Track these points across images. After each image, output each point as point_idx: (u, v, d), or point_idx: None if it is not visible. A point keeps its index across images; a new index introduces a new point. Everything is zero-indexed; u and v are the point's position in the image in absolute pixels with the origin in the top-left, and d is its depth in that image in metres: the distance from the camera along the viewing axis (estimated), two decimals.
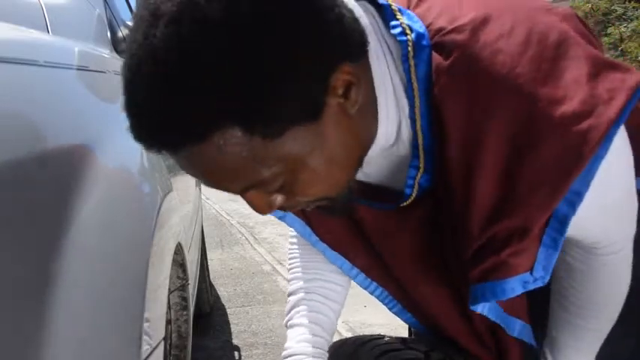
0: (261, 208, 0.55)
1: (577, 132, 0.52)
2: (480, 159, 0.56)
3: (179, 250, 0.91)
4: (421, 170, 0.63)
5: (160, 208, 0.70)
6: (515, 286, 0.59)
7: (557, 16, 0.58)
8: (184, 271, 0.99)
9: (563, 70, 0.54)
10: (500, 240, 0.58)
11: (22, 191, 0.39)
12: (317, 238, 0.78)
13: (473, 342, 0.78)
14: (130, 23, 1.26)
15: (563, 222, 0.56)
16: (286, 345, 0.78)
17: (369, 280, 0.81)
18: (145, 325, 0.52)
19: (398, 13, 0.58)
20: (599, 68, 0.55)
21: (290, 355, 0.77)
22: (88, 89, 0.66)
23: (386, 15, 0.58)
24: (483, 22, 0.55)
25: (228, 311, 2.73)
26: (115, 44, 1.10)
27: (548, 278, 0.59)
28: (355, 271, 0.80)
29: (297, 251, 0.85)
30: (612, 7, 6.90)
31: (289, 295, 0.83)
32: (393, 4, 0.59)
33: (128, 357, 0.49)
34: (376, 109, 0.58)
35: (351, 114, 0.53)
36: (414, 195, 0.65)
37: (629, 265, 0.70)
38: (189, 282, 1.07)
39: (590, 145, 0.53)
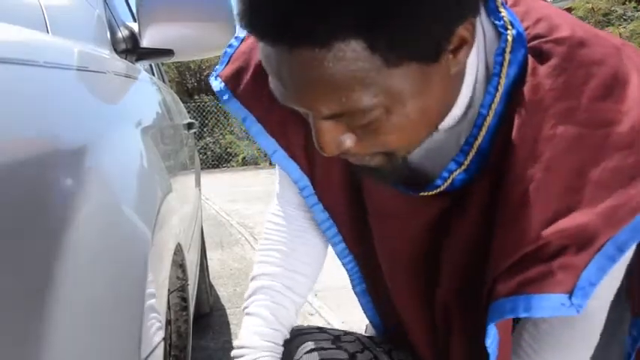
0: (329, 145, 0.54)
1: None
2: (554, 169, 0.55)
3: (179, 250, 0.91)
4: (463, 167, 0.62)
5: (159, 209, 0.70)
6: (555, 305, 0.55)
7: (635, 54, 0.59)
8: (184, 271, 0.99)
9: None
10: (554, 247, 0.55)
11: (21, 191, 0.39)
12: (312, 192, 0.77)
13: (428, 347, 0.76)
14: (130, 24, 1.27)
15: (621, 248, 0.53)
16: (240, 334, 0.77)
17: (347, 251, 0.81)
18: (145, 325, 0.52)
19: (501, 7, 0.59)
20: None
21: (240, 347, 0.76)
22: (88, 90, 0.66)
23: (489, 4, 0.59)
24: (580, 43, 0.56)
25: (228, 312, 2.73)
26: (115, 44, 1.10)
27: (582, 309, 0.54)
28: (338, 238, 0.80)
29: (274, 234, 0.83)
30: (612, 8, 6.89)
31: (252, 279, 0.82)
32: None
33: (128, 357, 0.49)
34: (460, 85, 0.58)
35: (450, 74, 0.54)
36: (442, 188, 0.64)
37: None
38: (189, 282, 1.07)
39: None
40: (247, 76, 0.73)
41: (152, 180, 0.76)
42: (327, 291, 3.11)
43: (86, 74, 0.68)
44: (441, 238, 0.67)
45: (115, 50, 1.08)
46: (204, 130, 11.24)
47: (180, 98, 3.03)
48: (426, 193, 0.66)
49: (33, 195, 0.40)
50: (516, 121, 0.57)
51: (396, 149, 0.56)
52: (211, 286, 2.92)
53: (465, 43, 0.52)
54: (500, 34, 0.58)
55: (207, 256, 2.99)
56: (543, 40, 0.57)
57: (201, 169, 2.90)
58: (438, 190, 0.65)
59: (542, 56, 0.57)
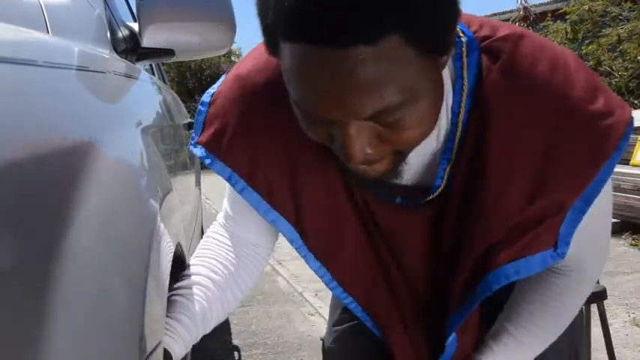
0: (359, 152, 0.56)
1: (605, 126, 0.63)
2: (525, 141, 0.64)
3: (179, 250, 0.91)
4: (451, 163, 0.69)
5: (160, 209, 0.70)
6: (546, 260, 0.68)
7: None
8: (184, 271, 0.99)
9: (584, 79, 0.65)
10: (536, 218, 0.66)
11: (21, 191, 0.39)
12: (302, 243, 0.79)
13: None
14: (130, 24, 1.27)
15: (587, 201, 0.65)
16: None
17: (345, 294, 0.84)
18: (145, 325, 0.52)
19: None
20: (602, 84, 0.67)
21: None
22: (88, 89, 0.66)
23: None
24: (521, 36, 0.66)
25: None
26: (115, 44, 1.10)
27: (565, 255, 0.68)
28: (334, 283, 0.83)
29: (218, 250, 0.85)
30: (608, 9, 6.88)
31: (189, 274, 0.82)
32: None
33: (128, 357, 0.49)
34: None
35: (440, 72, 0.59)
36: (442, 188, 0.70)
37: (580, 304, 0.81)
38: None
39: (613, 140, 0.63)
40: (227, 137, 0.76)
41: (152, 180, 0.76)
42: (328, 291, 3.12)
43: (86, 74, 0.68)
44: (441, 231, 0.73)
45: (115, 50, 1.08)
46: None
47: (181, 98, 3.03)
48: (430, 198, 0.72)
49: (33, 195, 0.40)
50: (491, 106, 0.65)
51: (409, 146, 0.60)
52: None
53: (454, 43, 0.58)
54: (457, 42, 0.66)
55: None
56: (490, 39, 0.66)
57: (202, 168, 2.90)
58: (439, 190, 0.71)
59: (492, 54, 0.66)
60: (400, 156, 0.62)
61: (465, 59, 0.66)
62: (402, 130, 0.56)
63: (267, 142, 0.74)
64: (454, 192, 0.70)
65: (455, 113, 0.67)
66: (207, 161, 0.78)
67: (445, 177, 0.69)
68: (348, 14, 0.48)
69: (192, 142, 0.80)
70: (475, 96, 0.66)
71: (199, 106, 0.80)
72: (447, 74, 0.66)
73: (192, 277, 0.81)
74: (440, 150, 0.70)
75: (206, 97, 0.80)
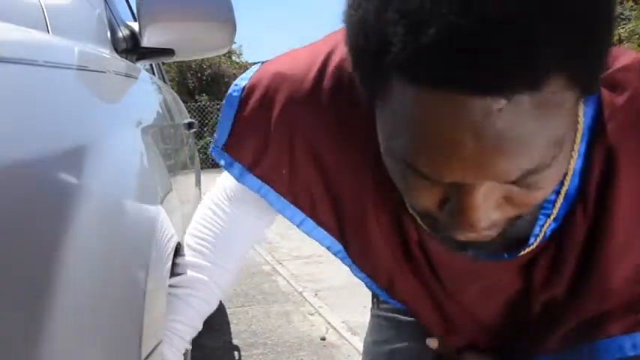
0: (479, 217, 0.45)
1: None
2: None
3: (179, 250, 0.91)
4: (551, 218, 0.58)
5: (160, 208, 0.70)
6: None
7: None
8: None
9: None
10: None
11: (21, 191, 0.39)
12: (346, 255, 0.71)
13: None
14: (130, 24, 1.27)
15: None
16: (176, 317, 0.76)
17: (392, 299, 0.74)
18: (145, 325, 0.52)
19: None
20: None
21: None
22: (88, 89, 0.66)
23: None
24: None
25: (228, 311, 2.73)
26: (116, 44, 1.10)
27: None
28: (380, 290, 0.74)
29: (212, 224, 0.78)
30: None
31: (184, 264, 0.79)
32: None
33: (128, 357, 0.49)
34: None
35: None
36: (534, 245, 0.60)
37: None
38: None
39: None
40: (264, 149, 0.67)
41: (152, 179, 0.76)
42: (327, 291, 3.12)
43: (86, 74, 0.68)
44: (528, 281, 0.63)
45: (116, 50, 1.08)
46: (205, 129, 11.25)
47: (181, 98, 3.03)
48: (522, 253, 0.61)
49: (33, 195, 0.40)
50: (619, 153, 0.54)
51: (532, 207, 0.48)
52: None
53: None
54: None
55: None
56: (611, 70, 0.54)
57: (201, 168, 2.90)
58: (530, 248, 0.60)
59: (616, 87, 0.54)
60: (515, 219, 0.50)
61: None
62: (536, 190, 0.45)
63: (308, 161, 0.66)
64: (555, 245, 0.60)
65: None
66: (236, 172, 0.69)
67: (542, 234, 0.58)
68: (510, 53, 0.37)
69: (217, 145, 0.70)
70: (593, 139, 0.54)
71: (227, 100, 0.68)
72: None
73: (189, 272, 0.78)
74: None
75: (235, 91, 0.68)
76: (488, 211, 0.45)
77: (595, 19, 0.39)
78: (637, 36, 6.42)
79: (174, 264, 0.77)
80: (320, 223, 0.69)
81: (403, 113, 0.43)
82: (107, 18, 1.11)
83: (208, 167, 10.47)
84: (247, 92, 0.67)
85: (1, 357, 0.34)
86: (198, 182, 2.43)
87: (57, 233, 0.41)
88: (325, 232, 0.69)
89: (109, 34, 1.07)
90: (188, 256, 0.79)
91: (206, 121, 11.43)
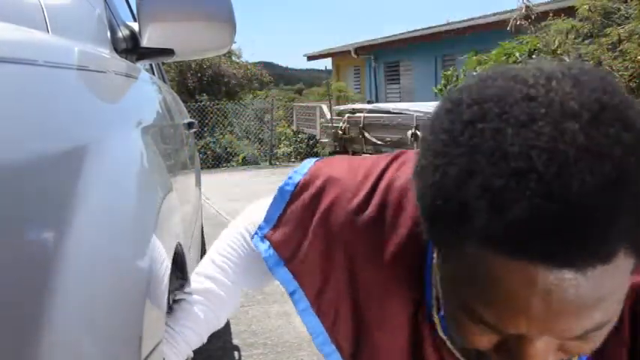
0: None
1: None
2: None
3: (179, 250, 0.91)
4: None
5: (160, 208, 0.70)
6: None
7: None
8: (184, 271, 0.99)
9: None
10: None
11: (21, 191, 0.39)
12: None
13: None
14: (130, 24, 1.27)
15: None
16: (174, 317, 0.76)
17: None
18: (145, 325, 0.52)
19: None
20: None
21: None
22: (88, 89, 0.66)
23: None
24: None
25: None
26: (116, 44, 1.10)
27: None
28: None
29: (234, 260, 0.80)
30: (614, 6, 6.84)
31: (202, 275, 0.80)
32: None
33: (128, 357, 0.49)
34: None
35: None
36: None
37: None
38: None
39: None
40: (304, 247, 0.69)
41: (152, 179, 0.76)
42: None
43: (86, 74, 0.68)
44: None
45: (116, 50, 1.08)
46: (205, 129, 11.24)
47: (181, 98, 3.03)
48: None
49: (33, 195, 0.40)
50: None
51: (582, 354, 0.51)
52: None
53: None
54: None
55: None
56: None
57: (201, 168, 2.90)
58: None
59: None
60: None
61: None
62: (590, 342, 0.48)
63: (344, 276, 0.68)
64: None
65: None
66: (273, 264, 0.71)
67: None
68: (589, 234, 0.40)
69: (260, 233, 0.73)
70: None
71: (279, 192, 0.72)
72: None
73: (208, 284, 0.79)
74: None
75: (288, 185, 0.72)
76: (546, 358, 0.47)
77: None
78: (637, 36, 6.41)
79: (173, 264, 0.77)
80: (335, 342, 0.70)
81: (476, 271, 0.45)
82: (107, 18, 1.11)
83: (208, 167, 10.48)
84: (300, 188, 0.71)
85: (1, 357, 0.34)
86: (198, 182, 2.43)
87: (57, 233, 0.41)
88: (337, 354, 0.70)
89: (109, 34, 1.07)
90: (210, 270, 0.80)
91: (206, 121, 11.43)
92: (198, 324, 0.78)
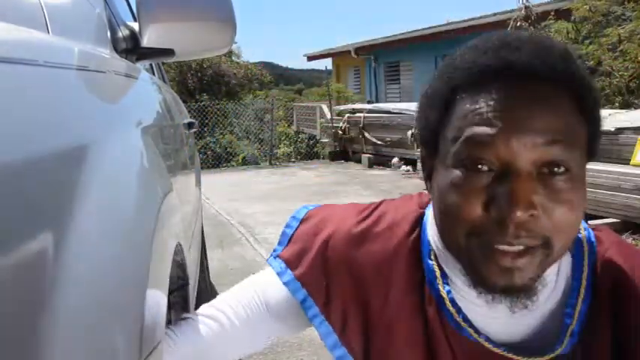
0: (525, 192, 0.58)
1: None
2: None
3: (179, 250, 0.91)
4: (573, 324, 0.68)
5: (160, 208, 0.70)
6: None
7: None
8: (184, 271, 0.99)
9: None
10: None
11: (21, 191, 0.39)
12: None
13: None
14: (130, 24, 1.27)
15: None
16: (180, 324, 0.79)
17: None
18: (145, 325, 0.52)
19: None
20: None
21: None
22: (88, 89, 0.66)
23: None
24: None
25: None
26: (116, 44, 1.10)
27: None
28: None
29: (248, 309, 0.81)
30: (611, 8, 6.85)
31: (211, 306, 0.82)
32: None
33: (128, 357, 0.49)
34: None
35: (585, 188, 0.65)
36: (559, 350, 0.68)
37: None
38: (190, 282, 1.07)
39: None
40: (309, 259, 0.77)
41: (152, 179, 0.76)
42: None
43: (86, 74, 0.68)
44: None
45: (116, 50, 1.08)
46: (205, 129, 11.25)
47: (181, 98, 3.03)
48: (541, 359, 0.69)
49: (33, 195, 0.40)
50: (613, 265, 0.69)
51: (557, 237, 0.61)
52: (211, 285, 2.92)
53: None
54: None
55: (208, 256, 2.99)
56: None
57: (202, 168, 2.90)
58: (558, 351, 0.68)
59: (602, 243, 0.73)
60: (543, 263, 0.62)
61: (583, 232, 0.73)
62: (559, 205, 0.59)
63: (347, 281, 0.76)
64: (585, 351, 0.68)
65: (577, 275, 0.70)
66: (285, 278, 0.78)
67: (568, 336, 0.68)
68: (555, 60, 0.61)
69: (274, 253, 0.82)
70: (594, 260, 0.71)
71: (290, 220, 0.83)
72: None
73: (212, 311, 0.80)
74: (559, 312, 0.70)
75: (299, 214, 0.83)
76: (532, 190, 0.58)
77: None
78: (638, 36, 6.40)
79: (173, 264, 0.77)
80: (346, 344, 0.75)
81: (465, 112, 0.62)
82: (107, 18, 1.11)
83: (208, 167, 10.48)
84: (309, 215, 0.83)
85: (1, 357, 0.34)
86: (198, 182, 2.43)
87: (56, 233, 0.41)
88: (348, 355, 0.75)
89: (109, 34, 1.07)
90: (221, 304, 0.81)
91: (206, 121, 11.43)
92: (196, 336, 0.77)
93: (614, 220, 4.28)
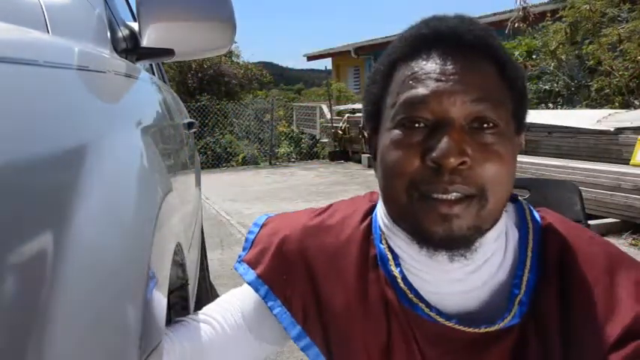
0: (457, 142, 0.63)
1: None
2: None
3: (179, 250, 0.91)
4: (522, 292, 0.72)
5: (160, 208, 0.70)
6: None
7: None
8: (184, 271, 0.99)
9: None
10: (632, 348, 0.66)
11: (21, 191, 0.39)
12: None
13: None
14: (130, 24, 1.27)
15: None
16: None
17: None
18: (145, 325, 0.52)
19: None
20: None
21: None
22: (88, 89, 0.66)
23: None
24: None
25: None
26: (116, 44, 1.10)
27: None
28: None
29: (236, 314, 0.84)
30: (606, 10, 6.86)
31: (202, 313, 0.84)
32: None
33: (128, 357, 0.49)
34: None
35: (516, 154, 0.70)
36: (508, 319, 0.71)
37: None
38: (189, 282, 1.07)
39: None
40: (268, 256, 0.82)
41: (152, 179, 0.76)
42: None
43: (86, 74, 0.68)
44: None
45: (116, 50, 1.08)
46: (205, 129, 11.25)
47: (181, 98, 3.03)
48: (498, 327, 0.71)
49: (33, 195, 0.40)
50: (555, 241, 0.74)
51: (490, 189, 0.65)
52: (211, 286, 2.92)
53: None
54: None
55: (208, 256, 2.99)
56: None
57: (201, 168, 2.90)
58: (507, 320, 0.71)
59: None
60: (479, 213, 0.65)
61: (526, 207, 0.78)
62: (489, 156, 0.64)
63: (300, 268, 0.80)
64: (534, 323, 0.71)
65: (522, 249, 0.74)
66: (249, 277, 0.83)
67: (515, 307, 0.71)
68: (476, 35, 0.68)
69: (239, 259, 0.86)
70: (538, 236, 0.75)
71: (252, 226, 0.88)
72: (511, 211, 0.77)
73: (202, 316, 0.83)
74: (508, 283, 0.73)
75: (260, 220, 0.89)
76: (461, 144, 0.63)
77: None
78: (637, 36, 6.40)
79: (173, 264, 0.77)
80: (309, 332, 0.79)
81: (403, 78, 0.68)
82: (107, 18, 1.11)
83: (208, 167, 10.48)
84: (268, 220, 0.88)
85: (2, 357, 0.34)
86: (198, 182, 2.43)
87: (57, 233, 0.41)
88: (311, 342, 0.80)
89: (109, 34, 1.07)
90: (211, 310, 0.84)
91: (206, 121, 11.43)
92: (193, 336, 0.78)
93: (614, 220, 4.28)
